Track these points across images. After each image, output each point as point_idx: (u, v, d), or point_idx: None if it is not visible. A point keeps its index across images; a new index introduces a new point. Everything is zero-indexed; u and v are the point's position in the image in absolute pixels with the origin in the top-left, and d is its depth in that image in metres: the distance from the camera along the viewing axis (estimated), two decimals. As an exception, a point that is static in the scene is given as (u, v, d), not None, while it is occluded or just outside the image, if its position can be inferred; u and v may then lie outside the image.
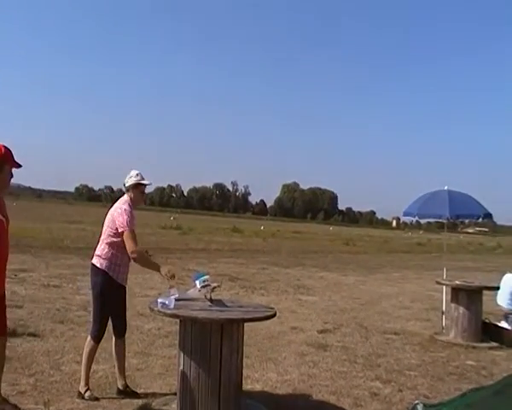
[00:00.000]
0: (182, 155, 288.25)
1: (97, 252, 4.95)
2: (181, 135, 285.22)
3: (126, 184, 5.06)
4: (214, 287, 4.75)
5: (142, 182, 5.08)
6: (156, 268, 4.93)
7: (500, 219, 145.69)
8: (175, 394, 4.64)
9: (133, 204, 5.02)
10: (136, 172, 5.09)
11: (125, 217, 4.83)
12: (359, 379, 6.08)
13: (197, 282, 4.74)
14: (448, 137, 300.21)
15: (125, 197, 5.04)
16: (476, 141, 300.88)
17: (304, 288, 13.61)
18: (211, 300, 4.69)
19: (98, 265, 4.89)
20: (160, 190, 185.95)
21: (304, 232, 54.01)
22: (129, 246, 4.79)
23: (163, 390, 5.21)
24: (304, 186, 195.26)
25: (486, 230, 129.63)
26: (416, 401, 2.28)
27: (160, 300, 4.48)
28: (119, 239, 4.85)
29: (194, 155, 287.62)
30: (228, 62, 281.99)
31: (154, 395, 5.04)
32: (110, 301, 4.91)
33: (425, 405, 2.28)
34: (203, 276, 4.82)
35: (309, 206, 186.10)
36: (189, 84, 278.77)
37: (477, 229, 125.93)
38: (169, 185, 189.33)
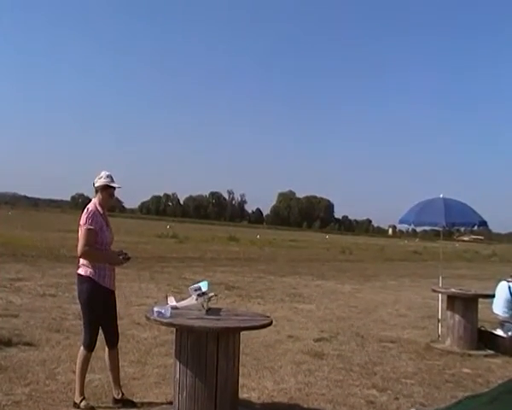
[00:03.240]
0: (178, 163, 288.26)
1: (81, 261, 4.94)
2: (177, 144, 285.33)
3: (95, 185, 5.01)
4: (211, 296, 4.75)
5: (112, 184, 5.01)
6: (108, 257, 4.97)
7: (495, 226, 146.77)
8: (171, 403, 4.63)
9: (101, 206, 4.99)
10: (107, 173, 5.02)
11: (85, 215, 4.85)
12: (355, 387, 6.08)
13: (193, 291, 4.75)
14: (444, 145, 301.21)
15: (94, 199, 5.03)
16: (471, 150, 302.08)
17: (300, 296, 13.61)
18: (208, 309, 4.69)
19: (83, 273, 4.88)
20: (157, 198, 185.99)
21: (300, 241, 54.01)
22: (80, 243, 4.82)
23: (159, 399, 5.19)
24: (300, 195, 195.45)
25: (482, 238, 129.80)
26: (412, 409, 2.28)
27: (156, 309, 4.48)
28: (96, 244, 4.87)
29: (190, 163, 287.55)
30: (222, 70, 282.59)
31: (150, 404, 5.03)
32: (99, 307, 4.89)
33: (420, 412, 2.29)
34: (203, 284, 4.82)
35: (305, 214, 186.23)
36: (186, 92, 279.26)
37: (472, 237, 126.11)
38: (165, 194, 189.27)
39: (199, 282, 4.95)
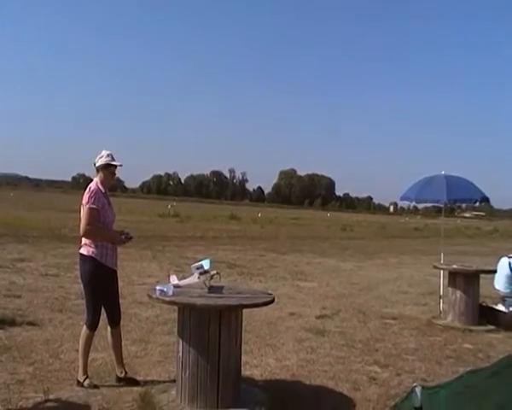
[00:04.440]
0: (179, 142, 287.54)
1: (83, 241, 4.94)
2: (178, 122, 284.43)
3: (96, 164, 4.99)
4: (213, 275, 4.75)
5: (113, 163, 5.00)
6: (111, 236, 4.98)
7: (496, 203, 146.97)
8: (174, 381, 4.66)
9: (102, 185, 4.98)
10: (107, 152, 5.01)
11: (87, 195, 4.84)
12: (357, 364, 6.11)
13: (195, 269, 4.74)
14: (446, 123, 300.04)
15: (95, 179, 5.02)
16: (474, 127, 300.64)
17: (302, 274, 13.65)
18: (210, 287, 4.69)
19: (85, 252, 4.88)
20: (158, 177, 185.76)
21: (301, 218, 54.08)
22: (82, 222, 4.82)
23: (162, 377, 5.23)
24: (301, 173, 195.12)
25: (483, 214, 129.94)
26: (414, 384, 2.29)
27: (158, 287, 4.49)
28: (99, 223, 4.87)
29: (191, 142, 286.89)
30: (225, 49, 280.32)
31: (153, 382, 5.06)
32: (101, 286, 4.90)
33: (423, 388, 2.30)
34: (205, 262, 4.81)
35: (306, 192, 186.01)
36: (185, 72, 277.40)
37: (474, 213, 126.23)
38: (166, 173, 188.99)
39: (201, 260, 4.94)
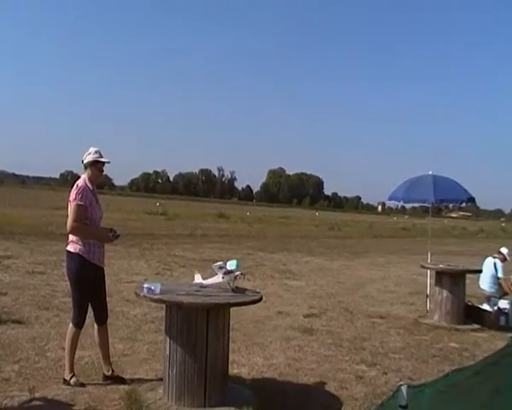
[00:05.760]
0: (168, 140, 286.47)
1: (70, 238, 4.91)
2: (167, 120, 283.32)
3: (84, 161, 4.97)
4: (237, 275, 4.72)
5: (100, 160, 4.99)
6: (98, 233, 4.97)
7: (482, 204, 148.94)
8: (161, 379, 4.65)
9: (90, 182, 4.96)
10: (95, 149, 5.00)
11: (75, 191, 4.82)
12: (345, 363, 6.14)
13: (218, 269, 4.71)
14: (433, 124, 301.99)
15: (83, 175, 5.00)
16: (459, 127, 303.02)
17: (289, 273, 13.68)
18: (234, 288, 4.68)
19: (72, 250, 4.86)
20: (146, 175, 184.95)
21: (289, 217, 54.13)
22: (69, 219, 4.80)
23: (149, 376, 5.21)
24: (290, 172, 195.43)
25: (469, 214, 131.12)
26: (401, 383, 2.30)
27: (145, 285, 4.47)
28: (86, 219, 4.84)
29: (180, 140, 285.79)
30: (215, 48, 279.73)
31: (140, 380, 5.04)
32: (88, 283, 4.87)
33: (409, 386, 2.31)
34: (231, 263, 4.80)
35: (295, 191, 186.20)
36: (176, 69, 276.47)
37: (461, 213, 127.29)
38: (155, 171, 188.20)
39: (226, 261, 4.90)
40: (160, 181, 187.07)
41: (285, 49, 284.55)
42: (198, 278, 4.84)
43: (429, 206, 9.40)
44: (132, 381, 4.98)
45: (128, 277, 10.97)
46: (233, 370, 5.34)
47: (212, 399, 4.33)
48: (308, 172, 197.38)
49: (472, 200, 9.01)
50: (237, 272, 4.73)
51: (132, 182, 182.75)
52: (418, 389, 2.41)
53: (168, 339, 4.41)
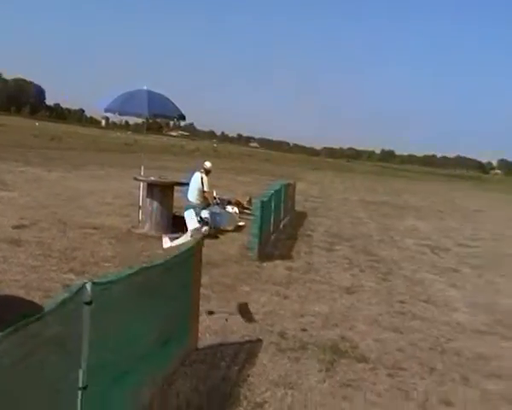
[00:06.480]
0: None
1: None
2: None
3: None
4: None
5: None
6: None
7: (199, 124, 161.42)
8: None
9: None
10: None
11: None
12: (53, 272, 6.14)
13: None
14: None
15: None
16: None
17: (2, 183, 12.69)
18: None
19: None
20: None
21: (6, 125, 49.28)
22: None
23: None
24: (7, 76, 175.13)
25: (187, 134, 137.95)
26: (85, 281, 2.41)
27: None
28: None
29: None
30: None
31: None
32: None
33: (94, 283, 2.44)
34: None
35: (13, 98, 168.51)
36: None
37: (180, 132, 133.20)
38: None
39: None
40: None
41: None
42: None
43: (144, 120, 9.70)
44: None
45: None
46: None
47: None
48: (28, 79, 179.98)
49: (182, 117, 9.60)
50: None
51: None
52: (103, 286, 2.59)
53: None
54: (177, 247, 5.27)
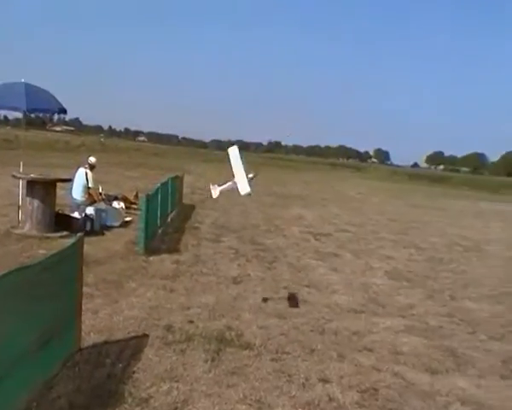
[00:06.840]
0: None
1: None
2: None
3: None
4: None
5: None
6: None
7: (85, 119, 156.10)
8: None
9: None
10: None
11: None
12: None
13: None
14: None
15: None
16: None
17: None
18: None
19: None
20: None
21: None
22: None
23: None
24: None
25: (73, 129, 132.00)
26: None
27: None
28: None
29: None
30: None
31: None
32: None
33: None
34: None
35: None
36: None
37: (64, 128, 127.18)
38: None
39: None
40: None
41: None
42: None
43: (21, 114, 9.24)
44: None
45: None
46: None
47: None
48: None
49: (63, 111, 9.26)
50: None
51: None
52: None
53: None
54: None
